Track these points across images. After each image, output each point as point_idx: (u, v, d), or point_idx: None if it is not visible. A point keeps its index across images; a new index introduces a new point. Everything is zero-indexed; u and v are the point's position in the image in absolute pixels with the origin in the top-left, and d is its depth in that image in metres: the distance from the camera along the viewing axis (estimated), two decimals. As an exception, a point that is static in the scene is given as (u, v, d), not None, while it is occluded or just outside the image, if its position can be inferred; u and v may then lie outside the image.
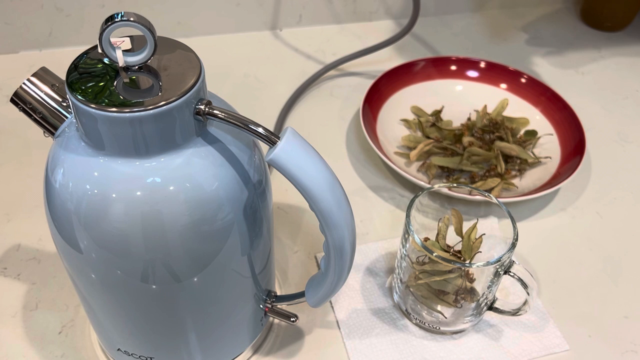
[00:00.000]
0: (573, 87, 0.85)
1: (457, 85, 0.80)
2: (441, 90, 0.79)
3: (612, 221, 0.65)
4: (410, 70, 0.79)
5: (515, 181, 0.68)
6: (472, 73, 0.80)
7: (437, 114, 0.75)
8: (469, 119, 0.74)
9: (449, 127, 0.72)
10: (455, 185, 0.53)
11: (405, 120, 0.74)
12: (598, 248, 0.62)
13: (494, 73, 0.79)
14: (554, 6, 1.04)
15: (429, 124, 0.73)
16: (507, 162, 0.69)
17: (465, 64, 0.80)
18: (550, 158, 0.70)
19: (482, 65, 0.80)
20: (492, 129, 0.71)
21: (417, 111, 0.76)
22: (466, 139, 0.69)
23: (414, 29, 0.83)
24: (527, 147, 0.71)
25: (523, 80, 0.78)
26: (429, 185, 0.60)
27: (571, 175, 0.63)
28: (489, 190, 0.65)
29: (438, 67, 0.80)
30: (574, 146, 0.69)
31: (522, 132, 0.73)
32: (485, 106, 0.75)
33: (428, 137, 0.71)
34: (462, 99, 0.78)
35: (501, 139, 0.70)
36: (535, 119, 0.75)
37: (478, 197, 0.54)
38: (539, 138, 0.72)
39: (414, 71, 0.79)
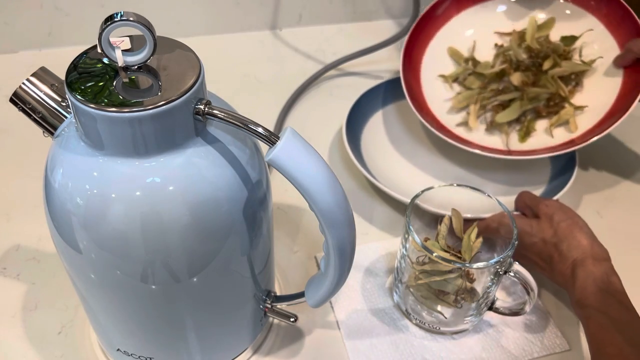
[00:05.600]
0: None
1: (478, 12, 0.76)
2: (465, 24, 0.76)
3: (612, 221, 0.65)
4: (433, 15, 0.76)
5: (578, 97, 0.67)
6: None
7: (471, 59, 0.73)
8: (496, 44, 0.72)
9: (489, 71, 0.70)
10: (456, 185, 0.53)
11: (443, 76, 0.73)
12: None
13: None
14: None
15: (467, 74, 0.71)
16: (565, 84, 0.68)
17: None
18: (602, 57, 0.68)
19: None
20: (535, 59, 0.69)
21: (454, 54, 0.74)
22: (515, 78, 0.68)
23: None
24: (573, 55, 0.70)
25: None
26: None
27: None
28: (565, 123, 0.66)
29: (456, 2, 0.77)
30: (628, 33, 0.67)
31: (559, 42, 0.70)
32: (515, 32, 0.72)
33: (470, 89, 0.70)
34: (487, 26, 0.75)
35: (550, 55, 0.68)
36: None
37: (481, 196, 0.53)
38: (580, 35, 0.69)
39: (437, 15, 0.76)
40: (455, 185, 0.53)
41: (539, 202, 0.55)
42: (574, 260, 0.50)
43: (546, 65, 0.68)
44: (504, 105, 0.69)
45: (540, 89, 0.67)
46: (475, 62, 0.73)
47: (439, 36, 0.76)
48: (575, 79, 0.69)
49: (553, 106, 0.68)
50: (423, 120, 0.68)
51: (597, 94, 0.67)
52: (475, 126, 0.68)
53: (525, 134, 0.67)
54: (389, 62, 0.87)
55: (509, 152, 0.66)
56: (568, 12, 0.72)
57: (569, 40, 0.70)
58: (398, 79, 0.75)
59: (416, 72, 0.74)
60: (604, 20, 0.69)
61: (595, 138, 0.62)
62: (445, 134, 0.67)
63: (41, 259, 0.58)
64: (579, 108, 0.67)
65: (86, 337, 0.52)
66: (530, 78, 0.68)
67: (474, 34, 0.75)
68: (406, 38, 0.75)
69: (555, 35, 0.72)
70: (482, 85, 0.70)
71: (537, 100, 0.67)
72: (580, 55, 0.70)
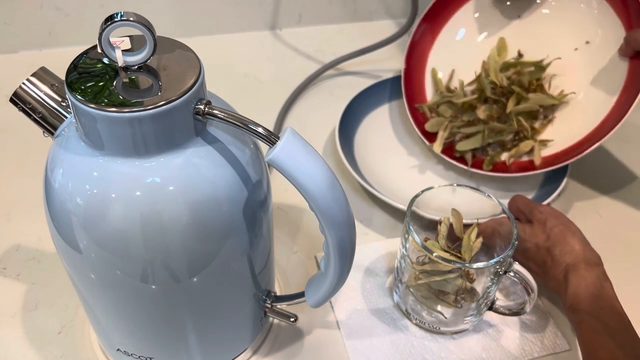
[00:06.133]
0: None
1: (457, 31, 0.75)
2: (444, 44, 0.75)
3: (612, 221, 0.65)
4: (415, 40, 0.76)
5: (549, 131, 0.66)
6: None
7: (446, 89, 0.72)
8: (478, 76, 0.71)
9: (462, 100, 0.69)
10: (456, 185, 0.53)
11: (420, 107, 0.73)
12: (598, 248, 0.62)
13: None
14: None
15: (442, 102, 0.71)
16: (534, 117, 0.67)
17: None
18: (574, 93, 0.66)
19: None
20: (501, 95, 0.67)
21: (434, 77, 0.74)
22: (482, 112, 0.66)
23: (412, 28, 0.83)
24: (545, 85, 0.67)
25: None
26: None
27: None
28: (528, 152, 0.65)
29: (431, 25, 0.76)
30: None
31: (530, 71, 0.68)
32: (484, 67, 0.71)
33: (443, 116, 0.70)
34: (467, 50, 0.74)
35: (515, 92, 0.66)
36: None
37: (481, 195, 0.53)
38: (548, 65, 0.67)
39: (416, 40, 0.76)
40: (455, 185, 0.53)
41: (533, 207, 0.55)
42: (566, 265, 0.50)
43: (510, 104, 0.66)
44: (468, 137, 0.68)
45: (503, 125, 0.66)
46: (450, 91, 0.72)
47: (442, 34, 0.76)
48: (544, 111, 0.67)
49: (517, 141, 0.67)
50: (418, 131, 0.69)
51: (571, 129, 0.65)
52: (438, 151, 0.68)
53: (489, 163, 0.67)
54: (389, 61, 0.87)
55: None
56: (545, 11, 0.71)
57: (538, 69, 0.68)
58: (387, 80, 0.78)
59: (420, 85, 0.74)
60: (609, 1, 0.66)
61: (595, 145, 0.61)
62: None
63: (41, 259, 0.58)
64: (543, 142, 0.66)
65: (86, 337, 0.52)
66: (497, 112, 0.67)
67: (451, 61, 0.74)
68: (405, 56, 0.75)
69: (540, 36, 0.70)
70: (453, 114, 0.69)
71: (501, 134, 0.66)
72: (549, 87, 0.68)
